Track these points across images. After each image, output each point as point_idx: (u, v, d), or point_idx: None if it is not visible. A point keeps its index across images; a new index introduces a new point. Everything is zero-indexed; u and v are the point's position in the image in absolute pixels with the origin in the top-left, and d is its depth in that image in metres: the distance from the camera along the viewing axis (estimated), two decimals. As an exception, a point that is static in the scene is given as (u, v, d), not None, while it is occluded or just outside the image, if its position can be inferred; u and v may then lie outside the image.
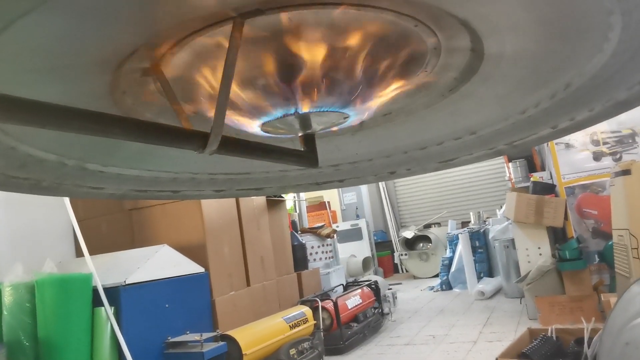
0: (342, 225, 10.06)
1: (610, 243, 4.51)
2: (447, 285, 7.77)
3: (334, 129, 0.87)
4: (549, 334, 3.27)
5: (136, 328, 3.23)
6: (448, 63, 0.84)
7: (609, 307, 3.93)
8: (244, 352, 3.44)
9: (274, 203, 5.18)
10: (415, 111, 1.04)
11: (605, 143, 4.83)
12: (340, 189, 11.51)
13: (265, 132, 0.83)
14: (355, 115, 0.84)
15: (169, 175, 1.13)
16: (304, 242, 5.86)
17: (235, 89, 0.73)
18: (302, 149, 0.83)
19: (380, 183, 11.65)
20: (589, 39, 0.70)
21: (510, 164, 7.35)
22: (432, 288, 7.97)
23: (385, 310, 5.86)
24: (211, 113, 0.71)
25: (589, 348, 3.01)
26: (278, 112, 0.77)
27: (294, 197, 7.76)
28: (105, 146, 0.93)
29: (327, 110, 0.78)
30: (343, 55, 0.74)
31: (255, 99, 0.75)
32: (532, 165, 7.53)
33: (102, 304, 3.18)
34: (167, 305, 3.46)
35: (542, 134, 1.08)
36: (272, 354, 3.73)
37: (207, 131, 0.66)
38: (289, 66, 0.72)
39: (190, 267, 3.75)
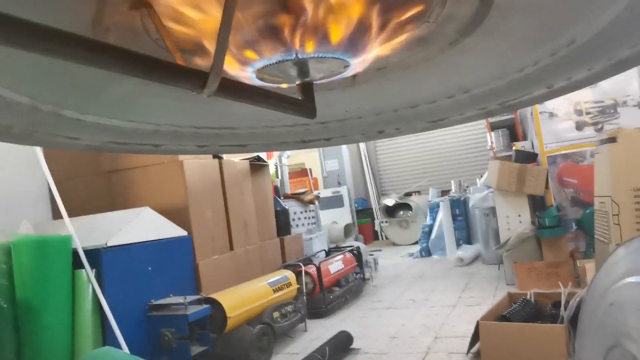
0: (324, 193, 10.08)
1: (588, 211, 4.60)
2: (426, 252, 7.92)
3: (331, 79, 0.83)
4: (528, 298, 3.35)
5: (118, 291, 3.20)
6: (453, 13, 0.80)
7: (583, 273, 4.06)
8: (228, 315, 3.46)
9: (257, 168, 5.12)
10: (412, 66, 1.00)
11: (588, 113, 4.87)
12: (322, 156, 11.50)
13: (260, 79, 0.79)
14: (355, 64, 0.80)
15: (150, 127, 1.08)
16: (287, 207, 5.85)
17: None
18: (300, 98, 0.79)
19: (362, 151, 11.66)
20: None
21: (492, 133, 7.41)
22: (411, 254, 8.11)
23: (367, 275, 5.94)
24: (206, 56, 0.66)
25: (565, 310, 3.11)
26: (276, 57, 0.72)
27: (276, 162, 7.71)
28: (83, 90, 0.87)
29: (327, 57, 0.74)
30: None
31: (253, 42, 0.70)
32: (513, 134, 7.60)
33: (82, 267, 3.14)
34: (149, 268, 3.43)
35: (537, 94, 1.05)
36: (255, 317, 3.75)
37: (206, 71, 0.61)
38: (290, 4, 0.67)
39: (173, 231, 3.71)
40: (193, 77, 0.61)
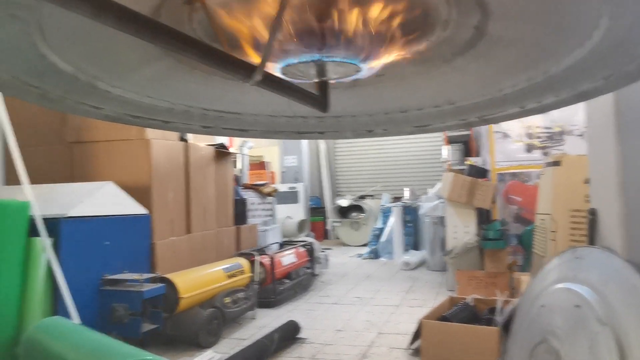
0: (280, 187, 10.16)
1: (528, 228, 4.96)
2: (374, 254, 8.18)
3: (343, 80, 0.96)
4: (467, 302, 3.61)
5: (74, 262, 3.18)
6: (451, 36, 0.95)
7: (518, 285, 4.38)
8: (181, 296, 3.51)
9: (221, 155, 5.16)
10: (408, 76, 1.14)
11: (537, 137, 5.24)
12: (282, 151, 11.59)
13: (284, 74, 0.90)
14: (365, 70, 0.93)
15: (166, 104, 1.16)
16: (245, 197, 5.91)
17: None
18: (316, 94, 0.91)
19: (321, 151, 11.84)
20: (577, 34, 0.83)
21: (449, 147, 7.77)
22: (360, 255, 8.35)
23: (317, 271, 6.10)
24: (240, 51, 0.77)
25: (499, 316, 3.38)
26: (303, 57, 0.84)
27: (238, 152, 7.73)
28: (121, 67, 0.96)
29: (344, 61, 0.87)
30: (369, 14, 0.82)
31: (287, 42, 0.82)
32: (468, 150, 8.00)
33: (37, 235, 3.10)
34: (107, 243, 3.43)
35: (511, 112, 1.22)
36: (207, 300, 3.81)
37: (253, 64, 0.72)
38: (321, 16, 0.79)
39: (134, 208, 3.71)
40: (242, 67, 0.72)
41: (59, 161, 4.15)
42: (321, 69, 0.91)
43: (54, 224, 3.13)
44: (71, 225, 3.17)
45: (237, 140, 8.32)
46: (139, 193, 3.84)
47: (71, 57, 0.84)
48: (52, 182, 3.75)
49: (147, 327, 3.32)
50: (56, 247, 3.12)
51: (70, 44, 0.80)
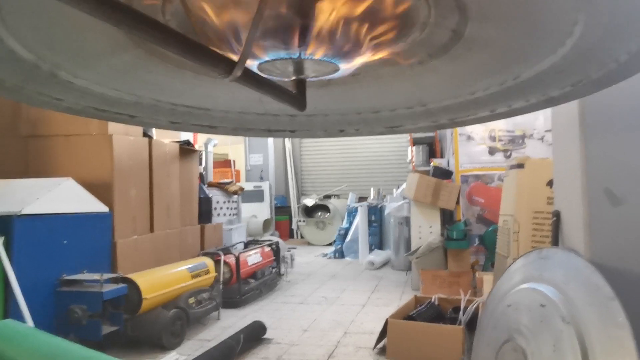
0: (246, 186, 10.06)
1: (490, 229, 5.08)
2: (340, 254, 8.21)
3: (320, 79, 0.94)
4: (432, 301, 3.66)
5: (28, 262, 3.04)
6: (427, 39, 0.94)
7: (480, 284, 4.48)
8: (144, 296, 3.40)
9: (186, 152, 5.05)
10: (382, 77, 1.13)
11: (500, 140, 5.38)
12: (247, 149, 11.47)
13: (260, 71, 0.88)
14: (343, 69, 0.91)
15: (133, 98, 1.12)
16: (210, 195, 5.82)
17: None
18: (294, 92, 0.89)
19: (287, 149, 11.79)
20: (551, 40, 0.83)
21: (414, 148, 7.87)
22: (325, 255, 8.37)
23: (282, 270, 6.06)
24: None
25: (463, 314, 3.45)
26: (281, 54, 0.82)
27: (202, 150, 7.59)
28: (85, 56, 0.90)
29: (324, 60, 0.85)
30: (348, 13, 0.80)
31: (267, 39, 0.79)
32: (432, 151, 8.13)
33: (-12, 233, 2.94)
34: (65, 242, 3.29)
35: (481, 115, 1.23)
36: (171, 301, 3.72)
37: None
38: (302, 13, 0.77)
39: (94, 205, 3.57)
40: (222, 63, 0.69)
41: (12, 156, 3.96)
42: (299, 67, 0.88)
43: (6, 222, 2.98)
44: (25, 223, 3.02)
45: (202, 138, 8.18)
46: (100, 190, 3.71)
47: (31, 42, 0.78)
48: (4, 178, 3.57)
49: (107, 329, 3.21)
50: (8, 246, 2.97)
51: (31, 27, 0.74)
